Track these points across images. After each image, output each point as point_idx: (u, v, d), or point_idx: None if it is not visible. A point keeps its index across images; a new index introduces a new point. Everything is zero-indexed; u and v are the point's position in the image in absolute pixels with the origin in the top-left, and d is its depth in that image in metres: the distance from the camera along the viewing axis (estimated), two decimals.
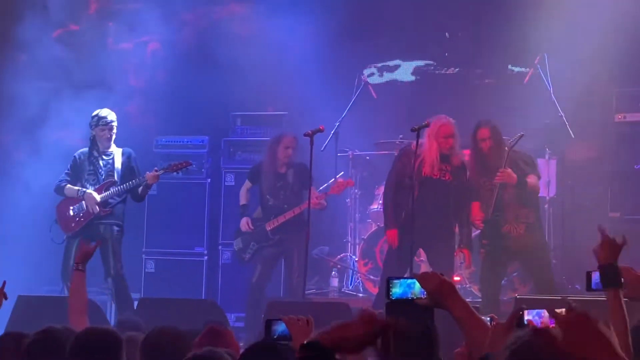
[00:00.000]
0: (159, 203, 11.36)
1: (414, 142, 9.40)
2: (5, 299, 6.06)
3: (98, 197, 9.86)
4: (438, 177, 9.48)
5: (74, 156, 10.08)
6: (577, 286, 9.95)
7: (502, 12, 11.88)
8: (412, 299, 4.13)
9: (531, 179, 9.42)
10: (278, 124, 11.62)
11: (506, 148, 9.54)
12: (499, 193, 9.40)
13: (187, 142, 11.82)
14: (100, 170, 10.06)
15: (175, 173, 10.27)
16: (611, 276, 4.13)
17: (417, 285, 4.05)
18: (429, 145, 9.55)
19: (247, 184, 10.66)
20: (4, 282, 6.03)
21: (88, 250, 6.36)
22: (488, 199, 9.50)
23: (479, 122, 9.62)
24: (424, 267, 9.91)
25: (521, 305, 3.98)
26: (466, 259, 9.73)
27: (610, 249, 4.16)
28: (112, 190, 9.91)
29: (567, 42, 11.19)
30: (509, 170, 9.34)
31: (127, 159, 10.09)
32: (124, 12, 12.29)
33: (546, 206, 10.73)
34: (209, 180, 11.78)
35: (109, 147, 9.99)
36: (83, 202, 9.95)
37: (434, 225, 9.40)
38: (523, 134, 9.58)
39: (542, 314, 3.86)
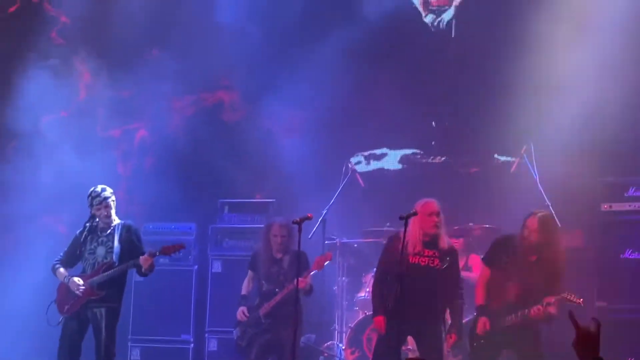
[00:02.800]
0: (145, 289, 11.22)
1: (402, 230, 8.91)
2: None
3: (80, 282, 9.51)
4: (426, 263, 9.19)
5: (75, 234, 9.84)
6: None
7: (489, 101, 11.84)
8: None
9: None
10: (265, 211, 11.58)
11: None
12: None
13: (175, 228, 11.73)
14: (99, 249, 9.76)
15: (165, 257, 10.02)
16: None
17: None
18: (412, 226, 9.17)
19: (250, 273, 10.48)
20: None
21: None
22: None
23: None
24: (411, 355, 9.80)
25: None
26: (450, 343, 9.32)
27: (587, 343, 3.85)
28: (108, 272, 9.56)
29: (553, 131, 11.12)
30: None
31: (126, 232, 9.82)
32: (114, 99, 12.30)
33: None
34: (196, 267, 11.72)
35: (110, 222, 9.71)
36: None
37: (422, 313, 9.03)
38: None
39: None
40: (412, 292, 8.92)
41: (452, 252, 9.35)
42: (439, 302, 9.15)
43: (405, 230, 8.80)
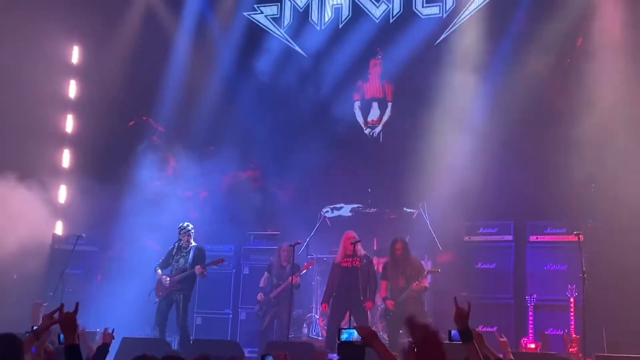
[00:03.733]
0: (205, 283, 10.94)
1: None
2: (113, 338, 5.99)
3: (168, 279, 9.95)
4: (351, 265, 9.63)
5: (168, 249, 10.25)
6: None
7: (401, 176, 11.28)
8: (353, 341, 4.19)
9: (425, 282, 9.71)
10: (274, 239, 11.53)
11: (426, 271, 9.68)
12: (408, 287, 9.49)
13: (222, 248, 11.48)
14: (181, 260, 10.12)
15: (215, 266, 10.20)
16: (466, 335, 4.03)
17: (356, 333, 4.12)
18: (341, 247, 9.82)
19: (266, 274, 10.66)
20: (113, 329, 6.00)
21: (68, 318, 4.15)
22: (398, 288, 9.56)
23: (396, 238, 9.77)
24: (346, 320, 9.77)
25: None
26: (369, 306, 9.55)
27: (461, 317, 4.08)
28: (184, 274, 10.00)
29: (437, 194, 10.98)
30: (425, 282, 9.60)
31: (197, 251, 10.17)
32: (188, 173, 12.19)
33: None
34: (233, 270, 11.64)
35: (189, 244, 10.15)
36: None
37: (352, 295, 9.47)
38: (439, 271, 10.03)
39: None
40: (346, 283, 9.56)
41: (367, 258, 9.77)
42: (361, 286, 9.45)
43: (354, 249, 9.55)
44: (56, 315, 4.17)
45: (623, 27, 10.61)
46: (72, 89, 13.52)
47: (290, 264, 10.23)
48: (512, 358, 4.89)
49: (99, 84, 12.88)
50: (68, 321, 3.96)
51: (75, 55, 13.59)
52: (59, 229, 12.62)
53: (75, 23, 12.64)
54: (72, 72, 13.56)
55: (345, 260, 9.76)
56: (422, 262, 10.31)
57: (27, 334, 4.45)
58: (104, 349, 5.75)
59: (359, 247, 9.79)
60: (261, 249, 11.65)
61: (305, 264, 10.76)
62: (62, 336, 4.01)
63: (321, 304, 10.04)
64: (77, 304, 4.14)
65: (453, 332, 4.55)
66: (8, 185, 11.12)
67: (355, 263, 9.69)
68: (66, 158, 13.34)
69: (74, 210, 12.58)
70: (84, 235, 10.97)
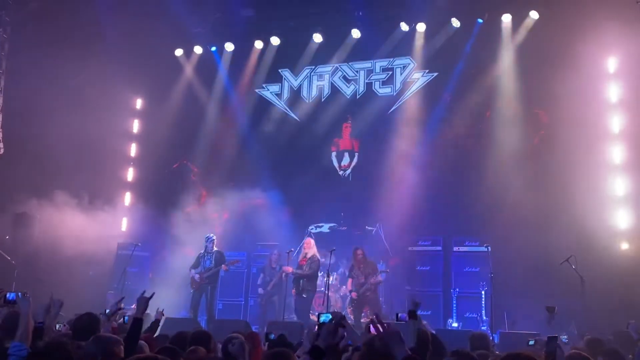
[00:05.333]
0: (225, 279, 10.75)
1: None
2: (163, 316, 6.06)
3: (197, 275, 9.77)
4: (305, 263, 9.73)
5: (199, 254, 10.07)
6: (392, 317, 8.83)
7: (365, 202, 11.13)
8: (329, 321, 3.94)
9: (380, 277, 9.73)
10: (274, 247, 11.03)
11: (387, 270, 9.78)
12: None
13: (237, 254, 11.24)
14: (207, 261, 9.94)
15: (232, 266, 10.09)
16: (412, 314, 3.83)
17: (330, 316, 4.09)
18: (303, 250, 9.94)
19: (261, 275, 10.74)
20: (163, 309, 6.03)
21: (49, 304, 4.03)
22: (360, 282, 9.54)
23: (356, 247, 9.96)
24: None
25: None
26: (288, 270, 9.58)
27: (415, 305, 3.93)
28: (209, 272, 9.85)
29: (391, 215, 10.76)
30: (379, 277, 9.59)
31: (219, 254, 10.04)
32: (215, 201, 11.95)
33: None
34: (245, 270, 11.52)
35: (212, 249, 9.98)
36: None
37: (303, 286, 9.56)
38: (387, 271, 9.95)
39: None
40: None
41: (314, 258, 9.73)
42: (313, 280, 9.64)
43: (331, 255, 9.43)
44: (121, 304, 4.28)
45: (517, 99, 10.65)
46: (136, 126, 13.53)
47: (278, 265, 10.33)
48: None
49: (155, 125, 12.81)
50: (143, 301, 3.95)
51: (138, 103, 13.64)
52: (122, 239, 12.40)
53: (139, 81, 12.59)
54: (136, 114, 13.57)
55: (301, 260, 9.93)
56: (377, 264, 10.24)
57: (101, 315, 4.43)
58: (155, 322, 5.78)
59: (309, 249, 9.82)
60: (265, 255, 11.46)
61: (284, 267, 10.35)
62: (126, 318, 4.15)
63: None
64: (152, 294, 4.14)
65: (400, 314, 4.54)
66: (83, 204, 11.04)
67: (304, 262, 9.79)
68: (128, 197, 13.10)
69: (133, 224, 12.49)
70: (139, 244, 10.91)
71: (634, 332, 5.16)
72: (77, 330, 3.94)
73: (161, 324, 5.97)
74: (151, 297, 4.09)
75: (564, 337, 6.88)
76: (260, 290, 10.66)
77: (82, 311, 4.43)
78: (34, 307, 3.74)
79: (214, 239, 10.15)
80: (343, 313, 9.15)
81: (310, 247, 9.91)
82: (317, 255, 9.97)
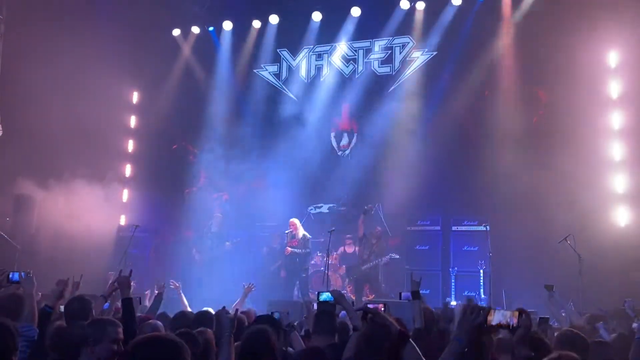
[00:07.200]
0: (230, 258, 10.91)
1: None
2: (164, 290, 6.10)
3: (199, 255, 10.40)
4: (296, 245, 9.97)
5: (204, 230, 10.55)
6: (392, 295, 9.58)
7: (362, 186, 11.26)
8: (329, 300, 4.09)
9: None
10: (274, 228, 11.28)
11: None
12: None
13: (238, 233, 11.40)
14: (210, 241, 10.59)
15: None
16: (415, 295, 3.83)
17: (330, 295, 4.08)
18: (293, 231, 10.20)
19: (265, 254, 11.06)
20: (164, 284, 6.21)
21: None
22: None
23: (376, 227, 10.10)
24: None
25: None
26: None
27: (415, 284, 3.91)
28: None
29: (390, 196, 10.73)
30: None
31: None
32: (217, 182, 11.90)
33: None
34: (253, 250, 11.45)
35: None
36: None
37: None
38: (398, 257, 10.08)
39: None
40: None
41: (305, 238, 9.96)
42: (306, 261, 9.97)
43: (330, 240, 9.49)
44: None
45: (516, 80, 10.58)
46: (133, 121, 13.56)
47: (279, 245, 10.63)
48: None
49: (151, 118, 12.89)
50: (124, 281, 3.80)
51: (135, 97, 13.66)
52: (122, 220, 12.53)
53: (135, 74, 12.68)
54: (133, 109, 13.59)
55: (291, 241, 10.14)
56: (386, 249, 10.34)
57: (101, 297, 4.36)
58: (159, 296, 5.99)
59: (295, 229, 10.13)
60: (264, 235, 11.63)
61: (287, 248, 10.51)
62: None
63: None
64: (130, 270, 4.04)
65: (403, 294, 4.67)
66: (87, 188, 11.10)
67: (294, 243, 10.08)
68: (128, 170, 13.29)
69: (133, 207, 12.53)
70: (139, 225, 10.76)
71: (630, 310, 5.17)
72: (68, 315, 3.87)
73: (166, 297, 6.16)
74: (130, 274, 3.95)
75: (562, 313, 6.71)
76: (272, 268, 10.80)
77: (84, 292, 4.43)
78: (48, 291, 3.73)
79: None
80: (343, 292, 9.29)
81: (298, 228, 10.07)
82: (306, 233, 10.18)
